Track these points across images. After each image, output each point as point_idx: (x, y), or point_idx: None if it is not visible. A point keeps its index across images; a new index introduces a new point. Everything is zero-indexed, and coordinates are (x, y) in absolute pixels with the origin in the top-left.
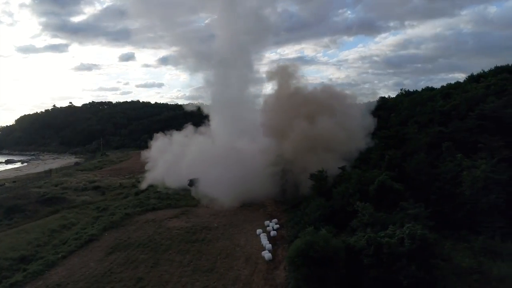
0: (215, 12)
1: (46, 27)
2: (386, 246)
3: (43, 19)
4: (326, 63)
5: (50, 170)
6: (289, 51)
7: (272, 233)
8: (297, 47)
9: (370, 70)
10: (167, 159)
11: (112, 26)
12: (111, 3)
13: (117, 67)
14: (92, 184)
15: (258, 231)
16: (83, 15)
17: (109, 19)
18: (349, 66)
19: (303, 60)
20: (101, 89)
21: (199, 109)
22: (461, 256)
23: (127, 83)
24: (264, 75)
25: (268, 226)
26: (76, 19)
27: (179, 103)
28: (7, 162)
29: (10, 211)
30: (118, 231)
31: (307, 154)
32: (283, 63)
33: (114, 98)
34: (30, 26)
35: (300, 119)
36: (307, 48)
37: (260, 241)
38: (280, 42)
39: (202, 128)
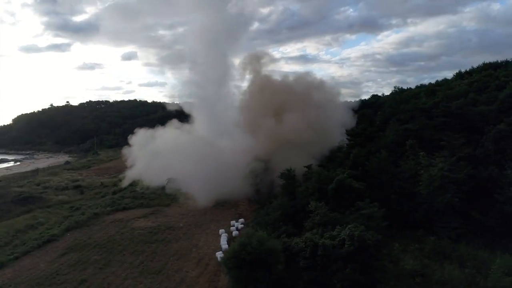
0: (196, 11)
1: (48, 26)
2: (321, 248)
3: (45, 19)
4: (328, 61)
5: (37, 170)
6: (291, 50)
7: (234, 233)
8: (299, 45)
9: (372, 68)
10: (147, 156)
11: (114, 25)
12: (112, 2)
13: (120, 66)
14: (74, 183)
15: (221, 231)
16: (85, 14)
17: (111, 18)
18: (351, 64)
19: (305, 58)
20: (104, 88)
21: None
22: (408, 258)
23: (129, 82)
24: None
25: (233, 226)
26: (78, 18)
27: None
28: (0, 161)
29: None
30: (81, 231)
31: (278, 152)
32: (254, 51)
33: (117, 97)
34: (33, 25)
35: (268, 116)
36: (309, 47)
37: (220, 242)
38: (282, 40)
39: (186, 125)
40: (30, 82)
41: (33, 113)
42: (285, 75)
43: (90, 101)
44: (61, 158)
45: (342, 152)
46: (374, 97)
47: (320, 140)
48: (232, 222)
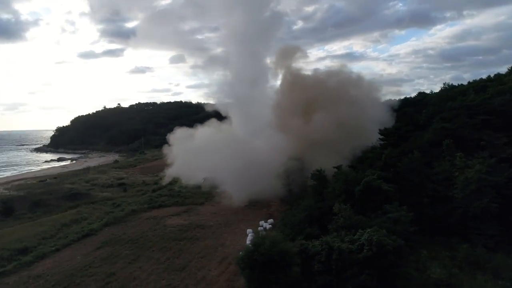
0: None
1: (104, 33)
2: (336, 252)
3: (100, 26)
4: (376, 59)
5: (88, 168)
6: (337, 48)
7: (261, 233)
8: (345, 43)
9: (424, 65)
10: (185, 155)
11: (162, 30)
12: (161, 8)
13: (169, 69)
14: (118, 181)
15: (248, 231)
16: (136, 20)
17: (159, 23)
18: (401, 60)
19: (352, 56)
20: (154, 90)
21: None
22: (436, 266)
23: (178, 84)
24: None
25: (261, 226)
26: (130, 24)
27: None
28: (59, 159)
29: (34, 205)
30: (118, 226)
31: (310, 152)
32: (284, 45)
33: (166, 98)
34: (90, 33)
35: (297, 114)
36: (356, 44)
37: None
38: (327, 38)
39: (224, 125)
40: (88, 86)
41: (88, 115)
42: (316, 69)
43: (139, 103)
44: (111, 157)
45: (374, 152)
46: (421, 94)
47: (352, 140)
48: (261, 222)
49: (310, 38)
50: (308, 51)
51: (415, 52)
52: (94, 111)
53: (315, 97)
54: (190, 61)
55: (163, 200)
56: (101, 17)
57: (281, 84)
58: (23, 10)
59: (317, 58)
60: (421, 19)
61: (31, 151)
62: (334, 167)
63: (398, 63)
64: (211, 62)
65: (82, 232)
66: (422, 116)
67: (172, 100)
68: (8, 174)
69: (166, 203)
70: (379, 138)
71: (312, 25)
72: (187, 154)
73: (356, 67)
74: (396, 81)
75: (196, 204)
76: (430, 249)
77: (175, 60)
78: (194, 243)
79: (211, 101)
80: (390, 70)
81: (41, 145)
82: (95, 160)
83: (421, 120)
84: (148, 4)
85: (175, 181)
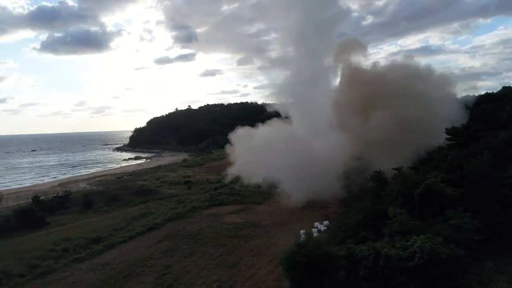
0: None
1: (177, 39)
2: (383, 258)
3: (174, 33)
4: (456, 51)
5: (160, 166)
6: (411, 42)
7: (315, 234)
8: (420, 36)
9: None
10: (245, 154)
11: (230, 33)
12: (230, 12)
13: (237, 71)
14: (185, 179)
15: (302, 231)
16: (206, 25)
17: (227, 27)
18: (486, 52)
19: (428, 50)
20: (223, 92)
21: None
22: (502, 281)
23: (245, 86)
24: None
25: (316, 227)
26: (201, 29)
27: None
28: (135, 158)
29: (110, 199)
30: (180, 222)
31: (370, 152)
32: (343, 39)
33: (235, 100)
34: (165, 40)
35: (355, 111)
36: (433, 37)
37: None
38: (400, 33)
39: (285, 124)
40: (163, 89)
41: (161, 117)
42: (377, 62)
43: (207, 104)
44: (181, 156)
45: (440, 153)
46: (506, 89)
47: (416, 139)
48: (316, 224)
49: (381, 33)
50: (379, 46)
51: (503, 42)
52: (167, 113)
53: (373, 93)
54: (257, 62)
55: (223, 198)
56: (174, 24)
57: (340, 81)
58: (109, 22)
59: (388, 54)
60: (510, 5)
61: (112, 150)
62: (393, 169)
63: (483, 55)
64: (275, 63)
65: (147, 226)
66: (504, 114)
67: (239, 101)
68: (93, 170)
69: (226, 201)
70: (446, 138)
71: (383, 20)
72: (247, 153)
73: (433, 62)
74: (481, 74)
75: (254, 203)
76: (498, 262)
77: (242, 62)
78: (248, 241)
79: (274, 102)
80: (472, 63)
81: (121, 145)
82: (166, 159)
83: (502, 118)
84: (217, 10)
85: (236, 180)
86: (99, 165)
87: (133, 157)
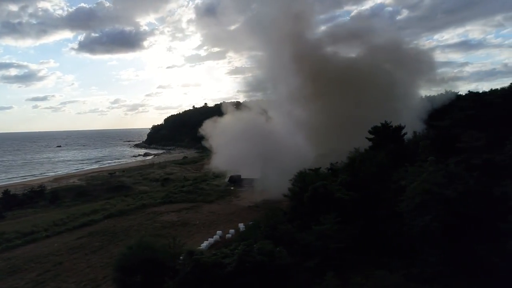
0: None
1: (207, 38)
2: (199, 266)
3: (205, 31)
4: (499, 46)
5: (153, 163)
6: (449, 36)
7: (227, 236)
8: (459, 30)
9: None
10: (223, 148)
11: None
12: (257, 11)
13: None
14: (166, 176)
15: (218, 232)
16: (237, 23)
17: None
18: None
19: (467, 44)
20: (252, 89)
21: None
22: None
23: None
24: None
25: (240, 228)
26: (231, 27)
27: None
28: (145, 155)
29: (78, 195)
30: (118, 219)
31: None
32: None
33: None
34: (195, 38)
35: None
36: (473, 30)
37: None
38: (437, 27)
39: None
40: (193, 87)
41: (178, 114)
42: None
43: (224, 102)
44: (190, 153)
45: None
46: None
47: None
48: (240, 225)
49: (416, 28)
50: (414, 41)
51: None
52: (184, 110)
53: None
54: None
55: (177, 196)
56: (205, 22)
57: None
58: (142, 21)
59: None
60: None
61: (131, 146)
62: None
63: None
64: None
65: (82, 222)
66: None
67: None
68: (96, 166)
69: (178, 199)
70: (367, 138)
71: (419, 13)
72: (224, 147)
73: (473, 57)
74: None
75: (205, 201)
76: (362, 271)
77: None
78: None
79: None
80: None
81: (140, 142)
82: (174, 155)
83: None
84: (246, 7)
85: (216, 176)
86: (109, 161)
87: (143, 153)
